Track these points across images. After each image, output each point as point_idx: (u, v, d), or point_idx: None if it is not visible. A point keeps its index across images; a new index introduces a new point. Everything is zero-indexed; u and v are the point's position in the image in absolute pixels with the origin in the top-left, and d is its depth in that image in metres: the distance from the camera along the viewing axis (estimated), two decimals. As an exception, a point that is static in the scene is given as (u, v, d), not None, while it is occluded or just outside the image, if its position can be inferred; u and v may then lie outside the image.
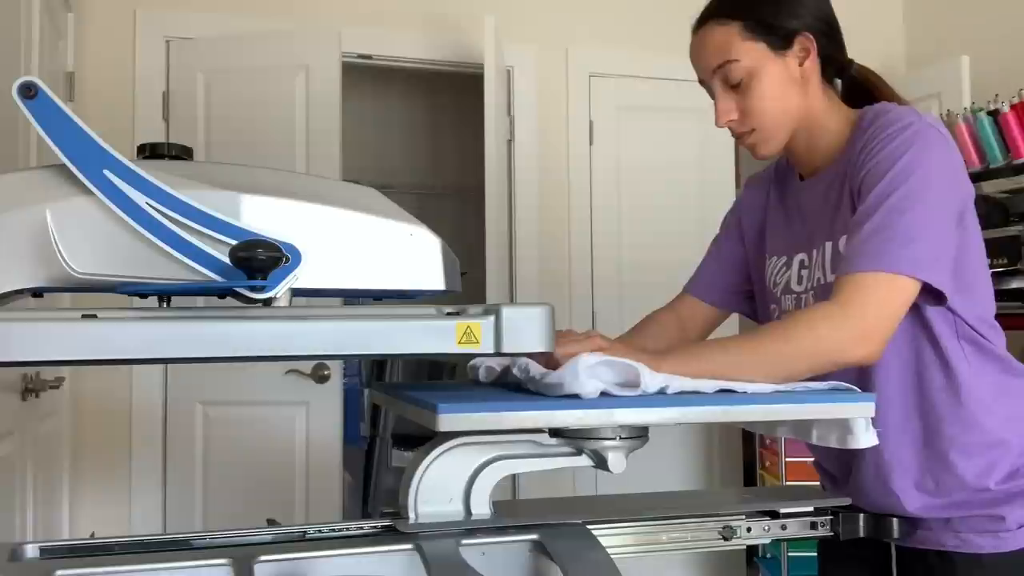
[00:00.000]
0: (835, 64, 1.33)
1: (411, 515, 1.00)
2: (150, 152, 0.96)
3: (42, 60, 2.37)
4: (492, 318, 0.95)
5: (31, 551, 0.98)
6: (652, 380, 0.98)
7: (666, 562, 3.24)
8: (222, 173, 0.99)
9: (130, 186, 0.88)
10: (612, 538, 1.08)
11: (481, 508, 1.02)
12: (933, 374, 1.23)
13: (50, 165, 0.90)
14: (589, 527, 1.05)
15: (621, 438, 0.99)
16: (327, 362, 3.06)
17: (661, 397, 0.98)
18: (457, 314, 0.96)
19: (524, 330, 0.96)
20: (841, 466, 1.34)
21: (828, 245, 1.27)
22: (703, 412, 1.00)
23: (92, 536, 1.10)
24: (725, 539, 1.13)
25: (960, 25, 3.68)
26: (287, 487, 3.08)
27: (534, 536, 1.01)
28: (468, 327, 0.94)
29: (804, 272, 1.34)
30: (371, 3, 3.36)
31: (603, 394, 0.96)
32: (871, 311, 1.12)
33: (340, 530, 1.04)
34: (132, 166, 0.89)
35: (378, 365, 4.58)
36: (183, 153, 0.96)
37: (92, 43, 3.05)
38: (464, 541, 0.98)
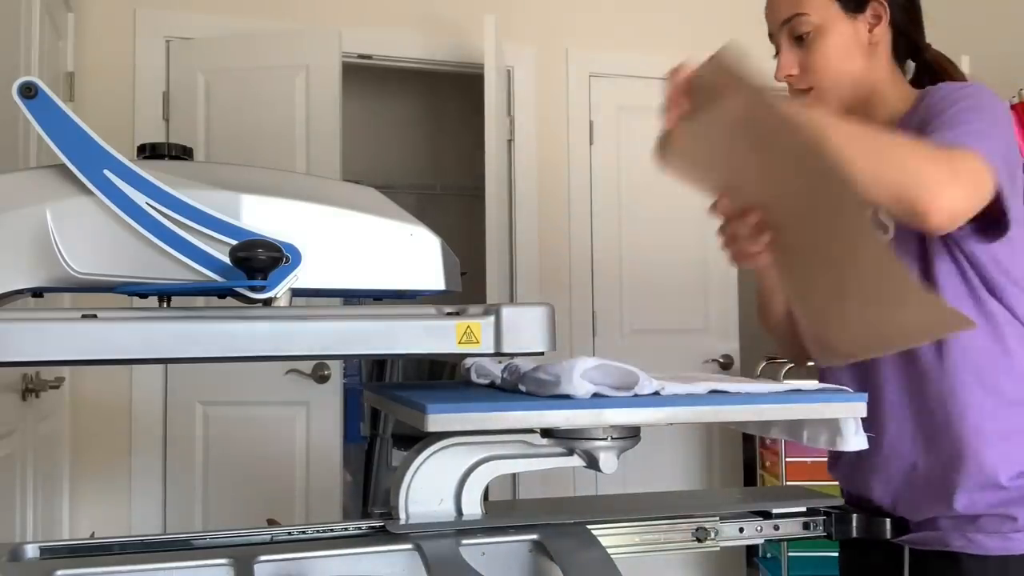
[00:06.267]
0: (910, 42, 1.31)
1: (402, 515, 1.00)
2: (150, 152, 0.96)
3: (42, 60, 2.37)
4: (492, 318, 0.95)
5: (31, 551, 0.98)
6: (647, 384, 0.97)
7: (666, 562, 3.24)
8: (222, 173, 0.99)
9: (130, 186, 0.88)
10: (612, 538, 1.08)
11: (472, 508, 1.02)
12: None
13: (50, 165, 0.90)
14: (589, 527, 1.05)
15: (612, 438, 0.99)
16: (327, 362, 3.06)
17: (651, 397, 0.97)
18: (457, 314, 0.96)
19: (524, 330, 0.96)
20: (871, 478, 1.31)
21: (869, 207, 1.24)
22: (693, 412, 0.99)
23: (92, 536, 1.10)
24: (699, 540, 1.12)
25: (960, 25, 3.68)
26: (287, 487, 3.08)
27: (534, 536, 1.01)
28: (468, 327, 0.95)
29: None
30: (371, 3, 3.36)
31: (595, 395, 0.95)
32: (964, 177, 1.06)
33: (331, 531, 1.04)
34: (132, 166, 0.89)
35: (378, 365, 4.58)
36: (183, 153, 0.97)
37: (92, 43, 3.05)
38: (464, 541, 0.98)
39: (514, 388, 1.04)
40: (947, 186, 1.04)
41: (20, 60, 2.19)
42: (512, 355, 1.01)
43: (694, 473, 3.63)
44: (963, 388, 1.19)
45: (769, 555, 3.43)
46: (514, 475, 3.22)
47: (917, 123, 1.20)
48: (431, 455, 1.00)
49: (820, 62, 1.27)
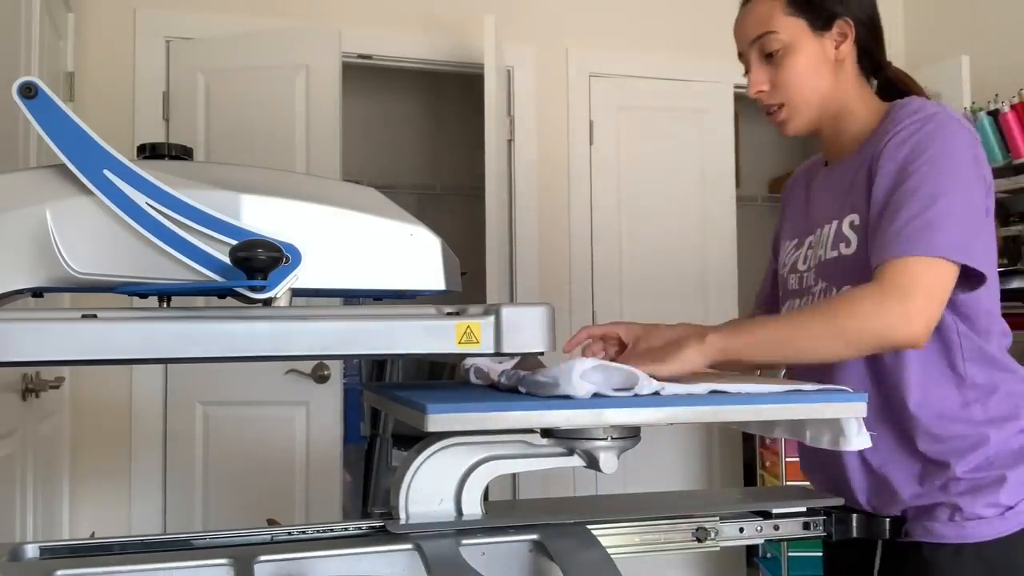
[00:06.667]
0: (872, 60, 1.36)
1: (402, 515, 1.00)
2: (150, 152, 0.96)
3: (42, 60, 2.37)
4: (492, 318, 0.95)
5: (31, 551, 0.98)
6: (647, 385, 0.97)
7: (666, 562, 3.24)
8: (222, 173, 0.99)
9: (130, 186, 0.88)
10: (612, 538, 1.08)
11: (472, 508, 1.02)
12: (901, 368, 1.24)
13: (50, 165, 0.90)
14: (589, 527, 1.05)
15: (613, 438, 0.99)
16: (327, 362, 3.06)
17: (651, 398, 0.97)
18: (457, 314, 0.96)
19: (524, 330, 0.96)
20: (828, 469, 1.35)
21: (834, 223, 1.30)
22: (693, 412, 0.99)
23: (92, 536, 1.10)
24: (699, 540, 1.12)
25: (960, 25, 3.68)
26: (287, 487, 3.08)
27: (534, 536, 1.01)
28: (468, 327, 0.95)
29: (810, 252, 1.37)
30: (371, 3, 3.36)
31: (595, 395, 0.95)
32: (918, 293, 1.13)
33: (331, 531, 1.04)
34: (132, 166, 0.89)
35: (378, 365, 4.58)
36: (183, 153, 0.97)
37: (92, 43, 3.05)
38: (464, 541, 0.98)
39: (513, 390, 1.04)
40: (907, 312, 1.13)
41: (20, 60, 2.19)
42: (512, 355, 1.01)
43: (694, 473, 3.63)
44: (921, 400, 1.23)
45: (769, 555, 3.43)
46: (514, 475, 3.21)
47: (871, 151, 1.26)
48: (431, 455, 1.00)
49: (790, 79, 1.31)
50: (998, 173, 3.03)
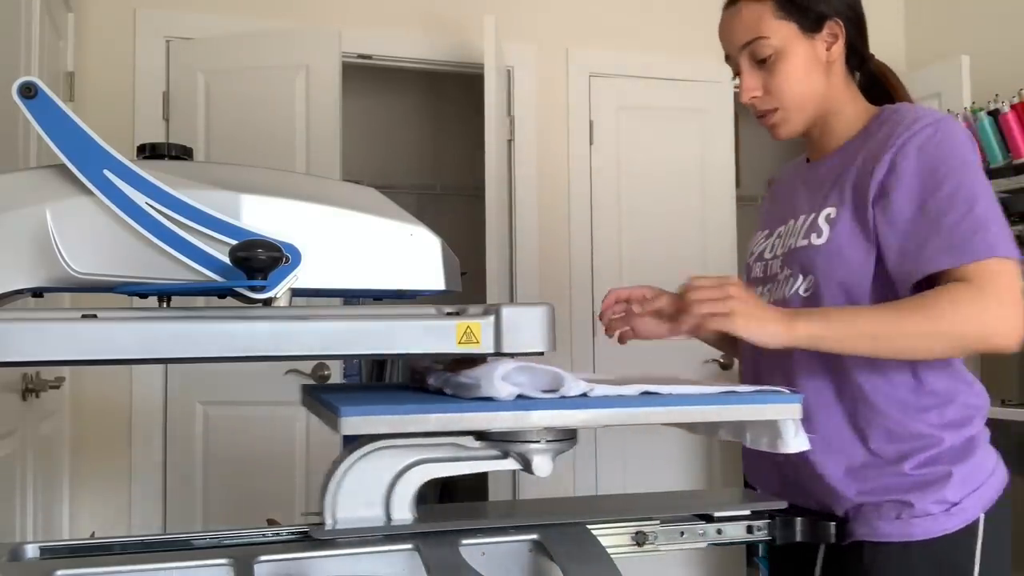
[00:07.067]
0: (857, 55, 1.35)
1: (328, 520, 0.98)
2: (150, 152, 0.96)
3: (42, 60, 2.37)
4: (492, 318, 0.95)
5: (31, 551, 0.98)
6: (575, 386, 0.95)
7: (666, 562, 3.24)
8: (222, 173, 0.99)
9: (130, 186, 0.88)
10: (612, 538, 1.08)
11: (402, 513, 0.99)
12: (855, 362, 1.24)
13: (50, 165, 0.90)
14: (589, 527, 1.05)
15: (547, 441, 0.97)
16: (327, 362, 3.06)
17: (577, 399, 0.95)
18: (457, 314, 0.96)
19: (524, 329, 0.95)
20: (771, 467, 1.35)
21: (811, 216, 1.29)
22: (621, 414, 0.96)
23: (92, 536, 1.10)
24: (638, 544, 1.09)
25: (960, 25, 3.68)
26: (287, 487, 3.08)
27: (534, 536, 1.01)
28: (468, 327, 0.94)
29: (778, 241, 1.37)
30: (371, 3, 3.36)
31: (521, 396, 0.93)
32: (1009, 297, 1.13)
33: (258, 536, 1.02)
34: (132, 166, 0.89)
35: (378, 365, 4.58)
36: (183, 153, 0.97)
37: (92, 43, 3.05)
38: (464, 541, 0.98)
39: (439, 392, 1.03)
40: (1009, 317, 1.13)
41: (20, 60, 2.19)
42: (512, 355, 1.01)
43: (694, 473, 3.63)
44: (882, 400, 1.23)
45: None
46: (514, 474, 3.21)
47: (863, 150, 1.26)
48: (360, 458, 0.99)
49: (783, 84, 1.29)
50: (998, 173, 3.04)
